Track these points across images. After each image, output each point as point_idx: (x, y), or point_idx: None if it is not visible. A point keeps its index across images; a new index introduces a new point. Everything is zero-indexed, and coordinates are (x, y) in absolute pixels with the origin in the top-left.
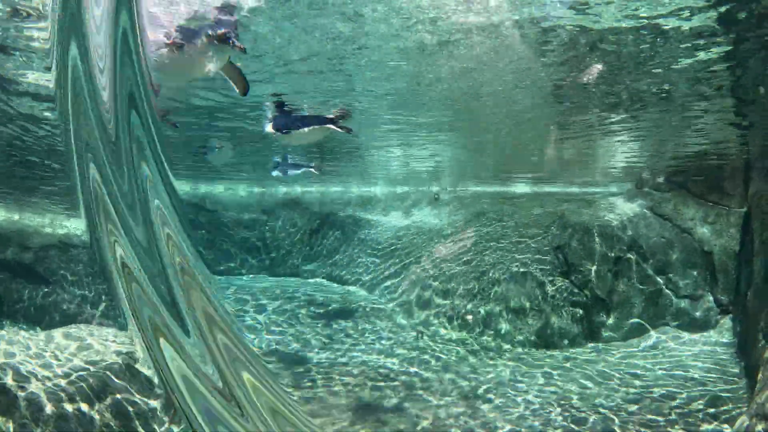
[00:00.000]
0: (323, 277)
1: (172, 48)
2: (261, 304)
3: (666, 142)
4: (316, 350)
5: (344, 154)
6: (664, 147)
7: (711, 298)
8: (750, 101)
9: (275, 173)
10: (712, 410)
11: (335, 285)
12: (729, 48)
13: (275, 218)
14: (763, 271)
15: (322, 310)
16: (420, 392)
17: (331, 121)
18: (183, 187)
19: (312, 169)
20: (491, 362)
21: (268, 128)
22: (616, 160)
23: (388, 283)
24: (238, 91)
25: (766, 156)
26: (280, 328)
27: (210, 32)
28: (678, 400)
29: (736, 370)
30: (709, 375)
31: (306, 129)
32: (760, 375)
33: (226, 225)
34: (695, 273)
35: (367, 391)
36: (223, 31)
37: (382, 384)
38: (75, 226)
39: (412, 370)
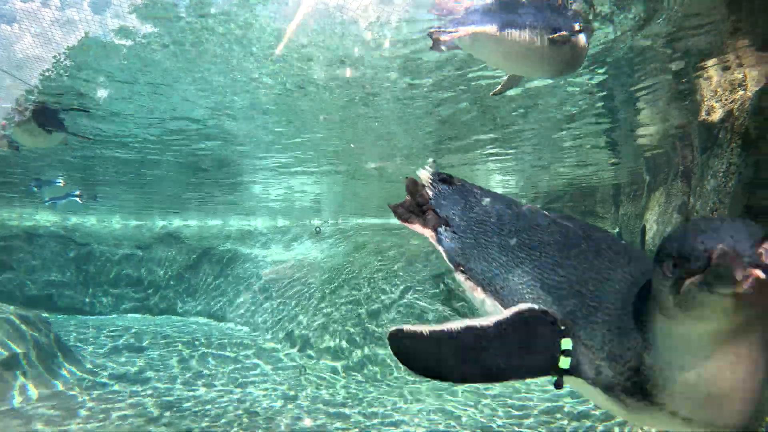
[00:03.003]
0: (200, 315)
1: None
2: (137, 347)
3: (543, 174)
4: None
5: (224, 187)
6: (539, 178)
7: None
8: (617, 142)
9: (47, 203)
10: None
11: (213, 322)
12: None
13: (151, 253)
14: None
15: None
16: (306, 427)
17: None
18: (50, 218)
19: (77, 198)
20: (374, 393)
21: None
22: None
23: (268, 317)
24: (499, 89)
25: (632, 182)
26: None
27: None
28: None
29: None
30: None
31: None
32: None
33: (97, 260)
34: None
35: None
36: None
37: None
38: None
39: (293, 406)
